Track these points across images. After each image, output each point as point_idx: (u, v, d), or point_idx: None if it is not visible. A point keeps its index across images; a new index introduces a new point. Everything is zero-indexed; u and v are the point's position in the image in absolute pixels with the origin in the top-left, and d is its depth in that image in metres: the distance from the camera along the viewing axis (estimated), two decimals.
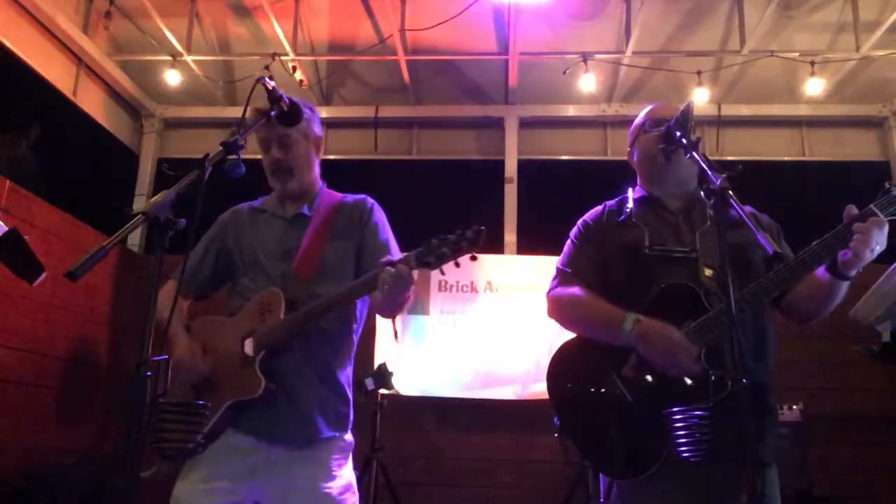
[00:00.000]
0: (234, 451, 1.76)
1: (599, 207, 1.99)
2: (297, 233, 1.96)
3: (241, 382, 1.76)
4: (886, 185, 1.60)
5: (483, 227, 1.58)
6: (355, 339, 1.99)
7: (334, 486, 1.79)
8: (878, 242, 1.55)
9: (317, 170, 2.06)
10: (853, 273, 1.59)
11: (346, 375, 1.93)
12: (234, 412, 1.77)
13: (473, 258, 1.59)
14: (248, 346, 1.79)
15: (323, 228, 1.95)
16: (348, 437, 1.91)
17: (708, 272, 1.72)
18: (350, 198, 2.06)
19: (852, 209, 1.59)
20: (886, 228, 1.56)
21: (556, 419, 1.86)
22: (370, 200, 2.05)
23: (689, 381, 1.62)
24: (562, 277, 1.92)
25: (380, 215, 2.02)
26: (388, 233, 1.99)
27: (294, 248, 1.93)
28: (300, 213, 1.99)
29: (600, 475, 1.80)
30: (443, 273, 1.63)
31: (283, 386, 1.78)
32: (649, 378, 1.69)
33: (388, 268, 1.61)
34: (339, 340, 1.92)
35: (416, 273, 1.61)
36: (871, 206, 1.58)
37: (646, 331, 1.67)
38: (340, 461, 1.85)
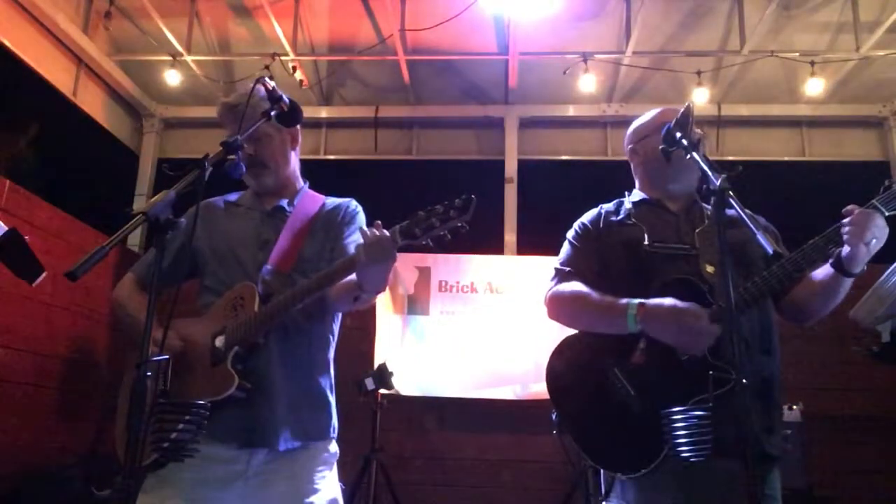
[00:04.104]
0: (206, 460, 1.56)
1: (596, 210, 1.97)
2: (275, 224, 1.85)
3: (212, 381, 1.63)
4: (887, 181, 1.60)
5: (472, 196, 1.49)
6: (333, 340, 1.88)
7: (317, 501, 1.68)
8: (875, 235, 1.52)
9: (294, 164, 1.95)
10: (857, 270, 1.57)
11: (327, 379, 1.82)
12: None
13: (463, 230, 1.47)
14: (219, 343, 1.68)
15: (303, 225, 1.84)
16: (332, 446, 1.79)
17: (710, 269, 1.70)
18: (333, 200, 1.96)
19: (854, 209, 1.57)
20: (881, 221, 1.54)
21: (553, 414, 1.83)
22: (354, 203, 1.96)
23: (692, 374, 1.59)
24: (561, 276, 1.90)
25: (361, 218, 1.94)
26: None
27: (272, 238, 1.82)
28: (279, 206, 1.88)
29: (600, 473, 1.78)
30: (431, 245, 1.50)
31: (258, 386, 1.66)
32: (656, 366, 1.66)
33: (365, 232, 1.51)
34: (318, 340, 1.82)
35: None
36: (874, 201, 1.58)
37: (652, 310, 1.63)
38: (323, 472, 1.73)
